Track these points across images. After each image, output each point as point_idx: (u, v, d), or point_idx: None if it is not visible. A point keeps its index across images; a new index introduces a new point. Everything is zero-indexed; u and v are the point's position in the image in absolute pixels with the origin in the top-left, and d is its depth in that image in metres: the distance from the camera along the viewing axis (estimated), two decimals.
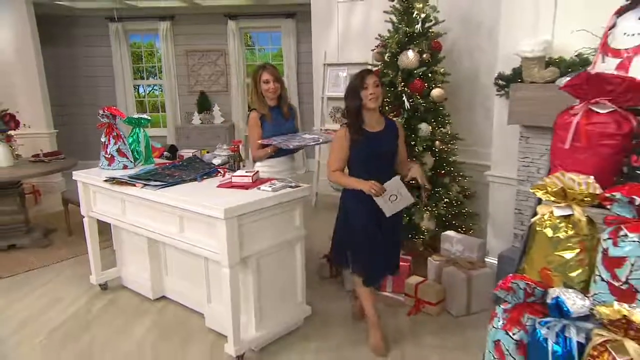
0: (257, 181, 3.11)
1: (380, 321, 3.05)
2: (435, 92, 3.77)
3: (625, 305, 1.43)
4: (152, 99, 8.75)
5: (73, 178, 3.76)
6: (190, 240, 2.97)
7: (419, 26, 3.78)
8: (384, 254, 2.94)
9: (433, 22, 3.85)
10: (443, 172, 3.93)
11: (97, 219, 3.76)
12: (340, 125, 3.32)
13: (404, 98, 3.78)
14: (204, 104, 8.03)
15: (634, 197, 1.45)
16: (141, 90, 8.73)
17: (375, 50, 4.13)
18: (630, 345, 1.40)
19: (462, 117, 4.24)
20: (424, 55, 3.76)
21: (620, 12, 1.71)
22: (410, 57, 3.74)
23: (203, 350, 3.08)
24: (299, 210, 3.13)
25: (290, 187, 3.04)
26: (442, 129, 3.86)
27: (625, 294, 1.48)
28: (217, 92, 8.15)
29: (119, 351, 3.10)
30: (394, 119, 3.25)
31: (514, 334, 1.71)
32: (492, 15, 3.85)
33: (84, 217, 3.78)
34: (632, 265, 1.46)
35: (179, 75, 8.19)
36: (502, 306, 1.77)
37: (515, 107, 3.20)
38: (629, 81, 1.60)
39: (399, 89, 3.82)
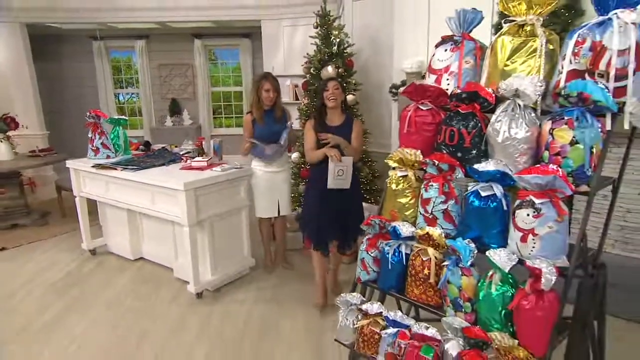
0: (211, 165, 3.58)
1: (324, 282, 3.26)
2: (349, 97, 4.18)
3: (430, 228, 2.01)
4: (130, 105, 8.78)
5: (67, 166, 4.04)
6: (160, 209, 3.37)
7: (335, 48, 4.28)
8: (328, 225, 3.10)
9: (347, 45, 4.33)
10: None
11: (87, 198, 4.06)
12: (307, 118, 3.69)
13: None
14: (175, 109, 8.23)
15: (434, 160, 2.04)
16: (121, 97, 8.77)
17: (303, 66, 4.52)
18: (430, 250, 2.00)
19: (372, 116, 4.67)
20: (340, 70, 4.22)
21: (437, 45, 2.29)
22: (329, 71, 4.18)
23: (171, 292, 3.50)
24: (243, 186, 3.61)
25: (236, 168, 3.53)
26: None
27: (431, 221, 2.07)
28: (186, 99, 8.34)
29: (104, 298, 3.44)
30: (355, 118, 3.31)
31: (371, 253, 2.27)
32: (391, 41, 4.29)
33: (76, 196, 4.07)
34: (434, 202, 2.05)
35: (153, 85, 8.32)
36: (366, 237, 2.33)
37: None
38: (439, 90, 2.18)
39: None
